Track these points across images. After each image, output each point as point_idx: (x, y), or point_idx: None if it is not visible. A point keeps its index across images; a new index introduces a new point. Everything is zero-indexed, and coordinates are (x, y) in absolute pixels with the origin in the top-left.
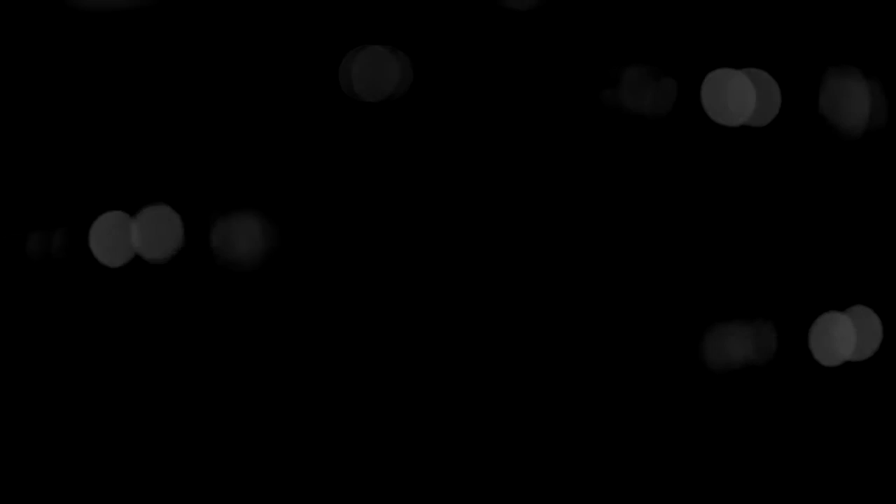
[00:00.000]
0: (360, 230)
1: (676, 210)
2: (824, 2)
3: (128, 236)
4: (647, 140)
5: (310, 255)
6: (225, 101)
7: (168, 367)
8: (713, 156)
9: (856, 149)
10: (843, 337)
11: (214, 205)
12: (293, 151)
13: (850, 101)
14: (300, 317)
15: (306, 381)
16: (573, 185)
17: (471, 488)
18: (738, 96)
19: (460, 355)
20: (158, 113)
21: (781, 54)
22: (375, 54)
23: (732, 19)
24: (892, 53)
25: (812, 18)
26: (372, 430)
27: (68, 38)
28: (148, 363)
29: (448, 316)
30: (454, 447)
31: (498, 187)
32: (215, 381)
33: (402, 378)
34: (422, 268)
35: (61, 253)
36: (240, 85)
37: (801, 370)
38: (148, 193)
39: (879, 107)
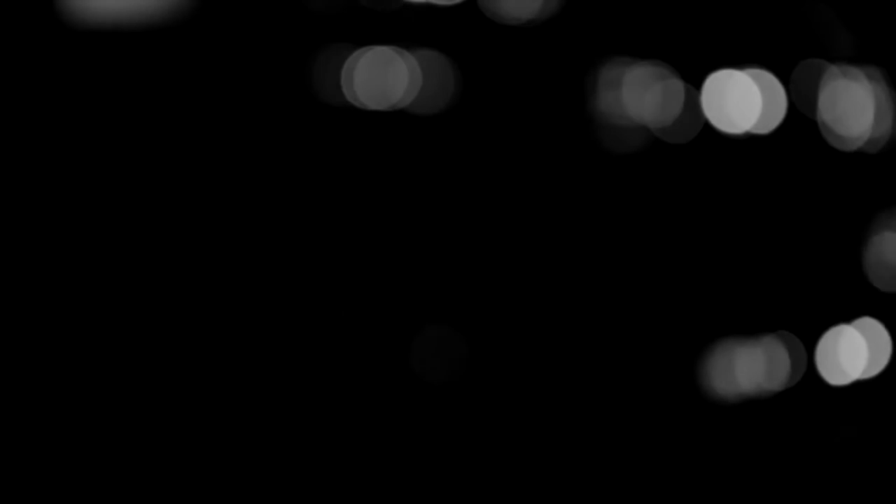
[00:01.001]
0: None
1: (677, 221)
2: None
3: None
4: (647, 147)
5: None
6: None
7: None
8: (716, 164)
9: (860, 156)
10: (851, 352)
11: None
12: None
13: (854, 107)
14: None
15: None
16: (574, 197)
17: (465, 490)
18: (740, 99)
19: (461, 365)
20: (157, 115)
21: (784, 55)
22: (380, 60)
23: (734, 19)
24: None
25: (815, 18)
26: (370, 430)
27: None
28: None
29: (442, 332)
30: (447, 450)
31: (496, 199)
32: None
33: (403, 377)
34: (423, 274)
35: None
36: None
37: (810, 389)
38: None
39: (884, 113)
